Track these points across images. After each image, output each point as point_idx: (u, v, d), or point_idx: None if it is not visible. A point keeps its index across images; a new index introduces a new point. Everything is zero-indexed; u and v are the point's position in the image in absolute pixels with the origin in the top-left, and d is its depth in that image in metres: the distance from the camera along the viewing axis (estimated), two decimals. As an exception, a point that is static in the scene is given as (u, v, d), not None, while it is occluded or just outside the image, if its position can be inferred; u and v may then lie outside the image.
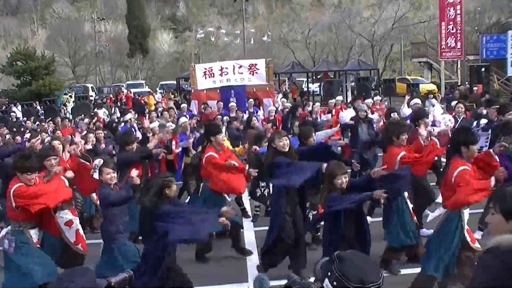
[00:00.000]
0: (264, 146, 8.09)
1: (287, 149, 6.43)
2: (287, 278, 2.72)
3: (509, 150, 6.26)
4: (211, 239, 6.88)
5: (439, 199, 9.26)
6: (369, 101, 14.26)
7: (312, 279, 2.57)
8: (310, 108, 15.21)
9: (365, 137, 10.58)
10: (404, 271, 6.52)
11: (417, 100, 12.30)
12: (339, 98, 17.21)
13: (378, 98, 16.92)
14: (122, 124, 14.73)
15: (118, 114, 19.54)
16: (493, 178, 5.17)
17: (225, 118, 13.43)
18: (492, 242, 2.56)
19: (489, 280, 2.42)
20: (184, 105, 16.99)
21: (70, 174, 6.56)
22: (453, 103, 11.70)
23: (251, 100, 16.71)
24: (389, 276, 6.29)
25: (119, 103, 28.97)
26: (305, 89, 35.21)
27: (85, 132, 11.36)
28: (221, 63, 19.60)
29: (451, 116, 10.21)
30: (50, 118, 19.58)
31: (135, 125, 13.91)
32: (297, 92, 33.26)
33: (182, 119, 11.25)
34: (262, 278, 2.97)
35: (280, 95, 21.73)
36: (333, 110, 14.95)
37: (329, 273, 2.34)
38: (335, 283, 2.30)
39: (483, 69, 26.08)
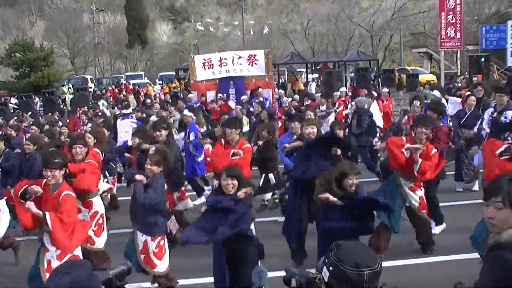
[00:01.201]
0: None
1: (312, 137, 6.61)
2: (285, 270, 2.70)
3: None
4: None
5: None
6: (373, 93, 14.31)
7: (312, 270, 2.57)
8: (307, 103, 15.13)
9: (354, 130, 10.72)
10: (404, 262, 6.55)
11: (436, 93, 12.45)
12: (343, 89, 17.25)
13: (385, 90, 17.05)
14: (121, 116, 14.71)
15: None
16: None
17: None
18: (505, 236, 2.52)
19: (506, 275, 2.39)
20: (191, 95, 16.97)
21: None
22: (472, 98, 11.63)
23: (260, 89, 16.62)
24: (391, 266, 6.31)
25: (122, 95, 28.80)
26: (304, 79, 35.10)
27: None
28: (220, 54, 19.54)
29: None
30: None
31: (134, 116, 13.90)
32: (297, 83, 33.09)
33: (186, 112, 11.25)
34: (261, 270, 2.97)
35: (314, 85, 21.03)
36: (337, 102, 15.01)
37: (326, 260, 2.37)
38: (331, 268, 2.32)
39: (482, 59, 25.99)
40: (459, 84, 19.99)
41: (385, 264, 5.75)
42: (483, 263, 2.58)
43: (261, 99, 15.20)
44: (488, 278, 2.50)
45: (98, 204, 6.72)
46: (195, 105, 15.11)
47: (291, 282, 2.62)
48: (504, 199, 2.62)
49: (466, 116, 9.83)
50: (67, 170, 5.77)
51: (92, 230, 6.53)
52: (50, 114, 17.54)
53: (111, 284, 2.63)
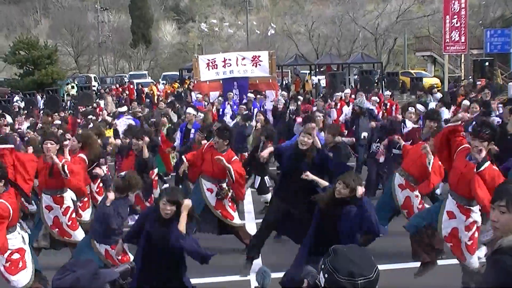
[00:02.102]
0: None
1: (304, 148, 6.04)
2: (303, 270, 2.75)
3: None
4: None
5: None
6: (375, 98, 14.18)
7: None
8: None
9: (365, 129, 10.60)
10: (404, 265, 6.56)
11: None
12: (348, 91, 17.18)
13: (388, 93, 16.99)
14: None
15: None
16: None
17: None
18: (506, 241, 2.53)
19: (505, 279, 2.40)
20: (199, 95, 16.90)
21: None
22: (465, 102, 11.36)
23: (259, 96, 16.52)
24: (391, 269, 6.32)
25: (125, 94, 28.90)
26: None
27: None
28: (224, 54, 19.56)
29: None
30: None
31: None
32: (301, 85, 33.04)
33: (189, 110, 11.22)
34: (264, 270, 2.99)
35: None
36: (339, 104, 14.96)
37: (323, 266, 2.36)
38: (326, 275, 2.32)
39: (486, 64, 25.99)
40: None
41: (384, 267, 5.77)
42: (486, 266, 2.60)
43: (262, 105, 15.29)
44: (488, 281, 2.53)
45: (69, 199, 6.82)
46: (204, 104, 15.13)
47: (303, 282, 2.66)
48: (508, 203, 2.61)
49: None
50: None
51: (67, 224, 6.75)
52: (47, 115, 17.23)
53: (114, 283, 2.65)
